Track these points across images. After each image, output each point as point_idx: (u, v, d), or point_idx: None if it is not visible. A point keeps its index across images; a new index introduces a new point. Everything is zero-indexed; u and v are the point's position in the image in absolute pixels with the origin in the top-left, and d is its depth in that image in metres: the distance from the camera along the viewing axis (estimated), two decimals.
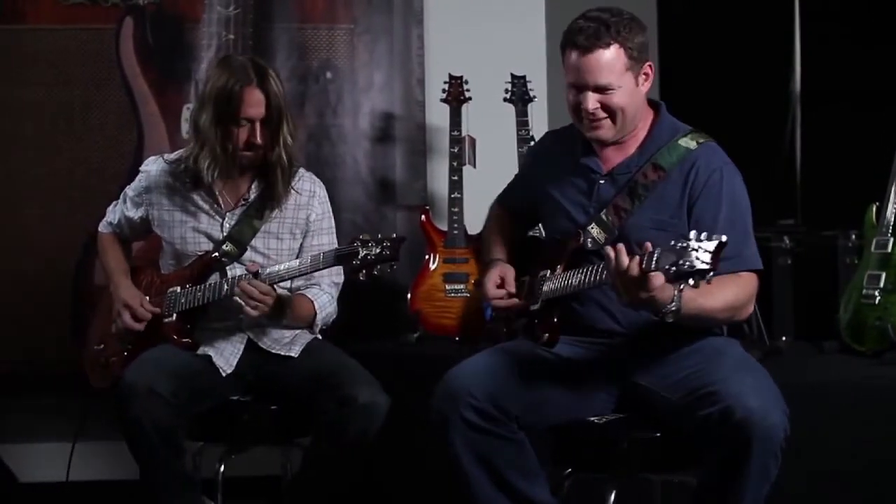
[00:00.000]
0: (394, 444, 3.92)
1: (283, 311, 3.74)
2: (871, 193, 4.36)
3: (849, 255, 4.41)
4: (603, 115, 3.35)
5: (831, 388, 3.84)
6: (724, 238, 2.87)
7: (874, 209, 4.23)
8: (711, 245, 2.86)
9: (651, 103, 3.48)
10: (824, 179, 5.20)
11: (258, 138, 3.78)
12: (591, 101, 3.33)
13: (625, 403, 3.43)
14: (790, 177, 5.34)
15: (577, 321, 3.43)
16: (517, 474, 3.35)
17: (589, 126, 3.38)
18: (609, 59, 3.30)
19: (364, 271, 3.55)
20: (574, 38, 3.32)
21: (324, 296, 3.88)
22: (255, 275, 3.68)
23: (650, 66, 3.38)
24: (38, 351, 4.87)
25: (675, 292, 3.05)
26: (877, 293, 4.10)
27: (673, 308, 3.07)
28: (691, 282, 2.90)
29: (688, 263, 2.87)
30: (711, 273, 2.88)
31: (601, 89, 3.32)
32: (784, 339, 4.34)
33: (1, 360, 4.87)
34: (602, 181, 3.44)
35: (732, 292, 3.24)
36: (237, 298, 3.68)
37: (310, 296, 3.86)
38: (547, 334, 3.37)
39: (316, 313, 3.84)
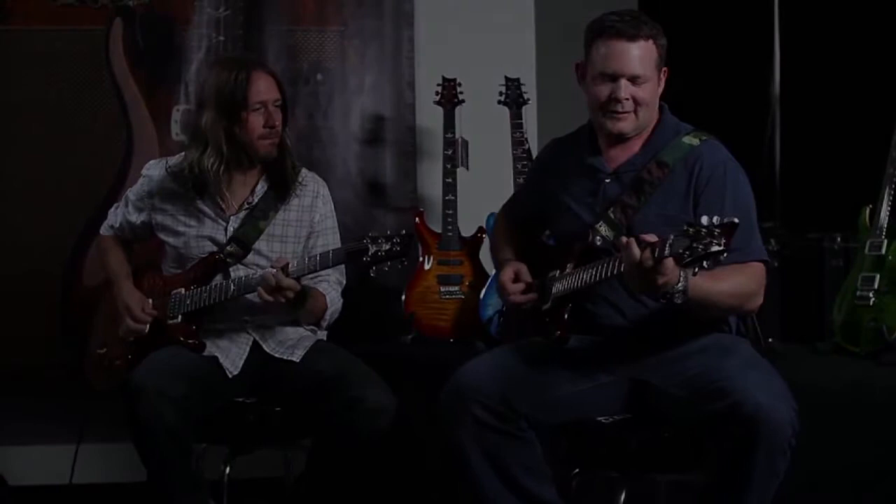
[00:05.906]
0: (391, 445, 3.94)
1: (304, 301, 3.75)
2: (851, 196, 4.39)
3: (835, 258, 4.46)
4: (631, 106, 3.41)
5: (833, 388, 3.86)
6: (735, 219, 2.91)
7: (867, 211, 4.27)
8: (723, 226, 2.90)
9: None
10: (804, 183, 5.23)
11: (276, 121, 3.77)
12: (627, 89, 3.39)
13: (633, 402, 3.46)
14: (770, 180, 5.37)
15: (586, 319, 3.46)
16: (525, 472, 3.38)
17: (614, 118, 3.42)
18: (647, 51, 3.40)
19: (374, 268, 3.56)
20: (616, 27, 3.38)
21: (332, 291, 3.89)
22: (285, 269, 3.65)
23: (666, 71, 3.47)
24: (27, 352, 4.85)
25: (681, 273, 3.09)
26: (871, 294, 4.13)
27: (680, 288, 3.11)
28: (706, 264, 2.92)
29: (702, 246, 2.89)
30: (725, 254, 2.91)
31: (636, 79, 3.39)
32: (770, 340, 4.38)
33: None
34: (608, 180, 3.49)
35: (739, 279, 3.30)
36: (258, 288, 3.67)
37: (320, 290, 3.86)
38: (559, 332, 3.41)
39: (326, 307, 3.85)
